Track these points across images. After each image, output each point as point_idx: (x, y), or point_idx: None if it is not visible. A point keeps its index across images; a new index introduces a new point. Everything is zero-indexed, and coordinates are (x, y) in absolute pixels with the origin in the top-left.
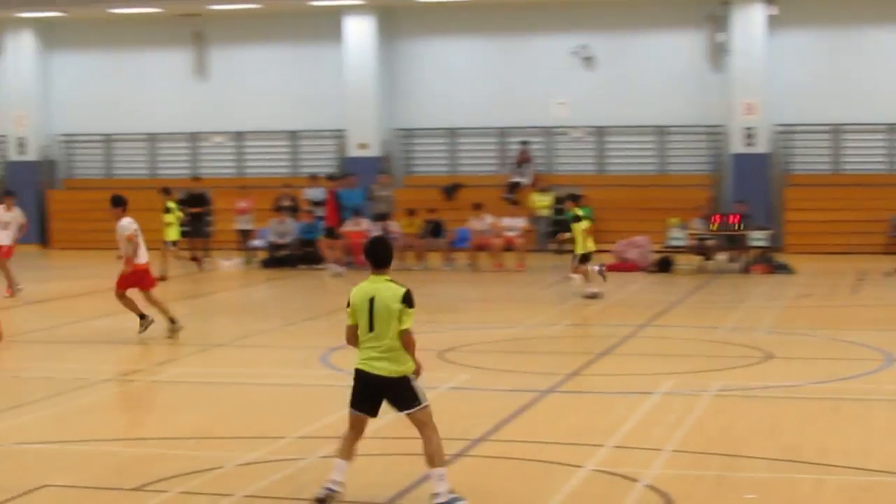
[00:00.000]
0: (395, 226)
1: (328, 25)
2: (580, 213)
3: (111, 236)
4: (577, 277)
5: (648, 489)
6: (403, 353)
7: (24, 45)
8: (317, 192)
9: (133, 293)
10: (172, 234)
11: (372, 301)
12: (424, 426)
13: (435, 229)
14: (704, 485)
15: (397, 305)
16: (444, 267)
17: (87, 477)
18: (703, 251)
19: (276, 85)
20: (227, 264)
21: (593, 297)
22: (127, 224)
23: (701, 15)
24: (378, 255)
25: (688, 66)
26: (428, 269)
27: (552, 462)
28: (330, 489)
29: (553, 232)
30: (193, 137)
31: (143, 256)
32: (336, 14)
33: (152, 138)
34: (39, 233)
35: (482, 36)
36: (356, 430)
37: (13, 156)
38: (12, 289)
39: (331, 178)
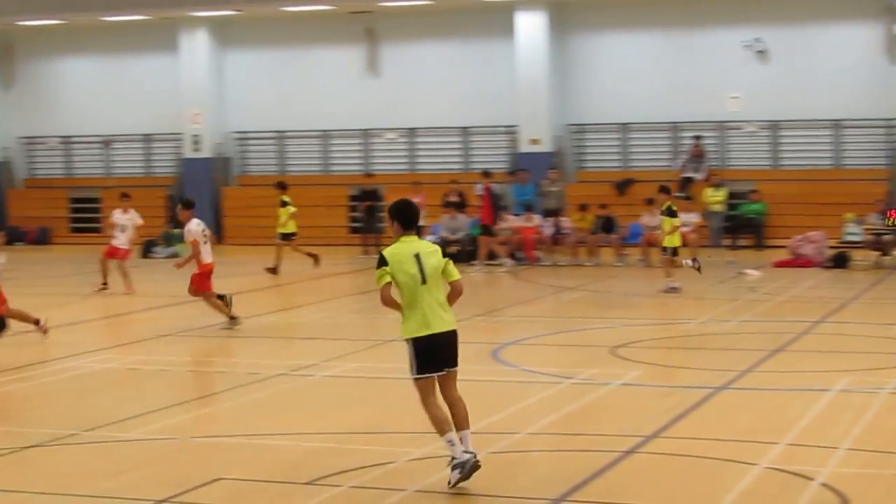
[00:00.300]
0: (566, 221)
1: (499, 21)
2: (674, 207)
3: None
4: (753, 273)
5: (823, 488)
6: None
7: (198, 43)
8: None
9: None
10: (289, 227)
11: (418, 256)
12: (455, 383)
13: (606, 225)
14: (881, 484)
15: (442, 260)
16: (615, 263)
17: (260, 470)
18: (880, 247)
19: (447, 81)
20: None
21: (673, 290)
22: (193, 228)
23: (877, 6)
24: (410, 217)
25: (863, 59)
26: (599, 264)
27: (725, 459)
28: (465, 459)
29: (725, 228)
30: (365, 134)
31: (208, 257)
32: (508, 10)
33: (325, 135)
34: (214, 229)
35: (654, 30)
36: (435, 393)
37: (188, 153)
38: (132, 286)
39: (486, 174)
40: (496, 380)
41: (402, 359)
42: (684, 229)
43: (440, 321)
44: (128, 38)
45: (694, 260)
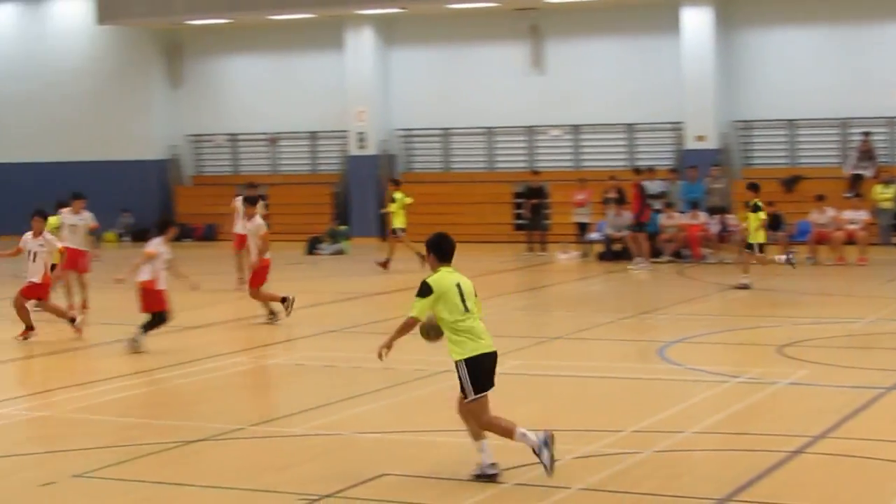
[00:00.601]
0: (732, 219)
1: (665, 17)
2: (759, 203)
3: (450, 230)
4: None
5: None
6: None
7: (364, 41)
8: (654, 185)
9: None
10: (397, 221)
11: (459, 286)
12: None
13: (774, 222)
14: None
15: (475, 294)
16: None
17: (424, 467)
18: None
19: (612, 77)
20: (564, 257)
21: (743, 287)
22: (261, 223)
23: None
24: (448, 250)
25: None
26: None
27: (895, 461)
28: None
29: (894, 226)
30: (530, 131)
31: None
32: (674, 5)
33: (489, 132)
34: (380, 226)
35: (822, 24)
36: (489, 408)
37: (353, 150)
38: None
39: (637, 171)
40: (662, 378)
41: (567, 356)
42: (852, 227)
43: (486, 343)
44: (294, 36)
45: (788, 255)
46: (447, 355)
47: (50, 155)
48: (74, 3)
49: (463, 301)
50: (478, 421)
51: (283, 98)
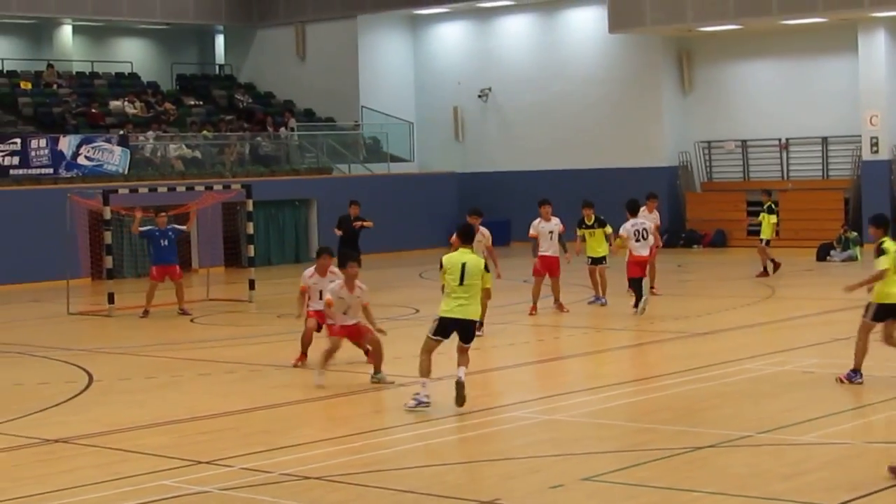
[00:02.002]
0: None
1: None
2: None
3: None
4: None
5: None
6: (479, 304)
7: (877, 44)
8: None
9: None
10: (766, 232)
11: (464, 265)
12: (468, 353)
13: None
14: None
15: (482, 270)
16: None
17: None
18: None
19: None
20: None
21: None
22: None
23: None
24: (468, 235)
25: None
26: None
27: None
28: (426, 401)
29: None
30: None
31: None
32: None
33: None
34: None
35: None
36: (434, 351)
37: (866, 156)
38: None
39: None
40: None
41: None
42: None
43: (460, 311)
44: (805, 40)
45: None
46: None
47: (563, 163)
48: (589, 11)
49: (462, 276)
50: (422, 350)
51: (793, 103)
